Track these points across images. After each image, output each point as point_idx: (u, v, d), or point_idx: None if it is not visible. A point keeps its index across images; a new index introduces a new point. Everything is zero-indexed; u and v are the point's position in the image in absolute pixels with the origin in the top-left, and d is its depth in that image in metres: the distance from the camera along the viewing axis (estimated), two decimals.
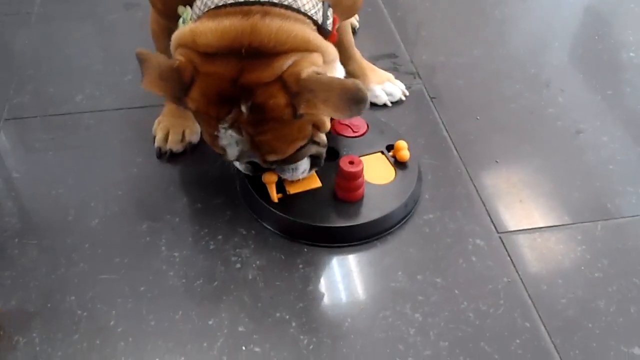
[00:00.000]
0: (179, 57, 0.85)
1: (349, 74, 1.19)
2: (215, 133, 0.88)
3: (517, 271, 0.97)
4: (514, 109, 1.28)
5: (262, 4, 0.82)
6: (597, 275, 0.97)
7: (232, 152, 0.90)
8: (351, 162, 0.98)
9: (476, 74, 1.36)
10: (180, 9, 0.91)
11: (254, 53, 0.81)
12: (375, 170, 1.05)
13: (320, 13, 0.87)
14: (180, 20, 0.92)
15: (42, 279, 0.94)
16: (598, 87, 1.34)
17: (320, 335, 0.87)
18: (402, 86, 1.29)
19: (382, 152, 1.09)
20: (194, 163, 1.13)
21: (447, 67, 1.38)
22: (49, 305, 0.90)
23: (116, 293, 0.92)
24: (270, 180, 0.99)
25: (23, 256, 0.97)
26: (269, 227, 1.01)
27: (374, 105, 1.25)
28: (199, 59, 0.83)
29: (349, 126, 1.12)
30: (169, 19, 0.97)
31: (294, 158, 0.93)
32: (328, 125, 0.94)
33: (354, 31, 1.46)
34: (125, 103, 1.26)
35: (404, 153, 1.06)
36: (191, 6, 0.90)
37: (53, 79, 1.32)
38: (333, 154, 1.08)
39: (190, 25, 0.86)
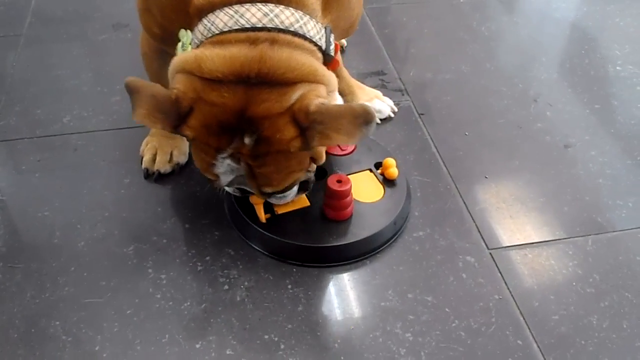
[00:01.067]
0: (177, 85, 0.81)
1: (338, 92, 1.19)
2: (212, 162, 0.85)
3: (508, 288, 0.96)
4: (502, 124, 1.28)
5: (270, 30, 0.80)
6: (589, 290, 0.96)
7: (225, 180, 0.88)
8: (339, 181, 0.98)
9: (464, 90, 1.37)
10: (181, 32, 0.88)
11: (261, 81, 0.78)
12: (364, 189, 1.05)
13: (324, 39, 0.86)
14: (179, 44, 0.89)
15: (26, 304, 0.92)
16: (586, 101, 1.35)
17: (310, 357, 0.86)
18: (391, 103, 1.29)
19: (370, 170, 1.08)
20: (182, 184, 1.12)
21: (435, 83, 1.38)
22: (33, 330, 0.89)
23: (102, 317, 0.91)
24: (257, 200, 0.98)
25: (7, 280, 0.96)
26: (257, 248, 1.00)
27: None
28: (202, 86, 0.80)
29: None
30: (164, 43, 0.95)
31: (287, 188, 0.91)
32: (324, 157, 0.92)
33: (342, 50, 1.46)
34: (113, 124, 1.26)
35: (392, 170, 1.06)
36: (191, 30, 0.87)
37: (41, 101, 1.32)
38: (321, 172, 1.07)
39: (194, 51, 0.82)
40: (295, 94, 0.80)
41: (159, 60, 1.04)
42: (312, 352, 0.87)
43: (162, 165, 1.12)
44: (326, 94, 0.83)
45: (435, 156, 1.19)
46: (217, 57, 0.79)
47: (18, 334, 0.88)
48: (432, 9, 1.66)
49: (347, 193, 0.98)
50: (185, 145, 1.16)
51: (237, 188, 0.93)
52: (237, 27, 0.80)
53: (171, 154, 1.13)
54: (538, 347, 0.88)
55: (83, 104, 1.31)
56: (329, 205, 0.99)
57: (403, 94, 1.35)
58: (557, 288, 0.96)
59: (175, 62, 0.84)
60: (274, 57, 0.78)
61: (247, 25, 0.80)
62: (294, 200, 1.00)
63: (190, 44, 0.87)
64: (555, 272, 0.99)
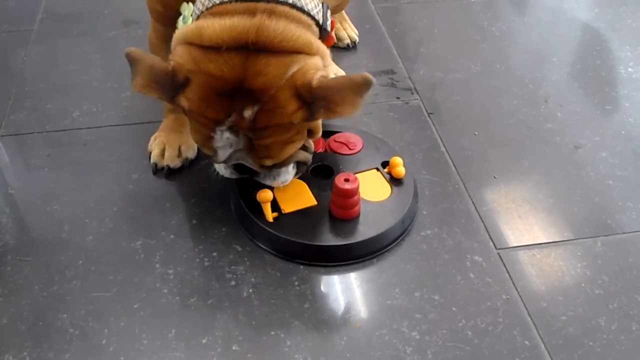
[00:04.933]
0: (176, 56, 0.84)
1: None
2: (211, 134, 0.86)
3: (516, 288, 0.95)
4: (512, 124, 1.27)
5: (268, 1, 0.82)
6: (597, 292, 0.95)
7: (223, 154, 0.88)
8: (346, 180, 0.97)
9: (474, 90, 1.36)
10: (183, 5, 0.91)
11: (259, 49, 0.80)
12: (371, 187, 1.04)
13: (321, 14, 0.88)
14: (181, 18, 0.91)
15: (34, 297, 0.93)
16: (597, 103, 1.34)
17: (316, 354, 0.86)
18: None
19: (377, 169, 1.08)
20: (190, 179, 1.13)
21: (445, 83, 1.38)
22: (40, 323, 0.89)
23: (109, 311, 0.91)
24: (265, 199, 0.98)
25: (16, 273, 0.96)
26: (264, 247, 0.99)
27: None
28: (201, 56, 0.81)
29: (345, 144, 1.12)
30: (168, 23, 0.96)
31: (284, 162, 0.92)
32: (321, 130, 0.95)
33: (354, 45, 1.46)
34: (123, 119, 1.26)
35: (399, 169, 1.06)
36: (193, 3, 0.90)
37: (51, 96, 1.32)
38: (328, 171, 1.07)
39: (196, 22, 0.84)
40: (294, 65, 0.81)
41: (168, 48, 1.05)
42: (318, 349, 0.87)
43: (171, 160, 1.12)
44: (322, 66, 0.85)
45: (444, 155, 1.19)
46: (217, 25, 0.81)
47: (26, 326, 0.89)
48: (443, 8, 1.66)
49: (355, 192, 0.97)
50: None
51: (236, 164, 0.93)
52: None
53: (179, 149, 1.13)
54: (545, 347, 0.87)
55: (93, 100, 1.31)
56: (336, 204, 0.99)
57: (412, 93, 1.35)
58: (565, 289, 0.96)
59: (177, 34, 0.86)
60: (271, 27, 0.80)
61: None
62: (301, 198, 1.01)
63: (191, 15, 0.89)
64: (563, 273, 0.98)
